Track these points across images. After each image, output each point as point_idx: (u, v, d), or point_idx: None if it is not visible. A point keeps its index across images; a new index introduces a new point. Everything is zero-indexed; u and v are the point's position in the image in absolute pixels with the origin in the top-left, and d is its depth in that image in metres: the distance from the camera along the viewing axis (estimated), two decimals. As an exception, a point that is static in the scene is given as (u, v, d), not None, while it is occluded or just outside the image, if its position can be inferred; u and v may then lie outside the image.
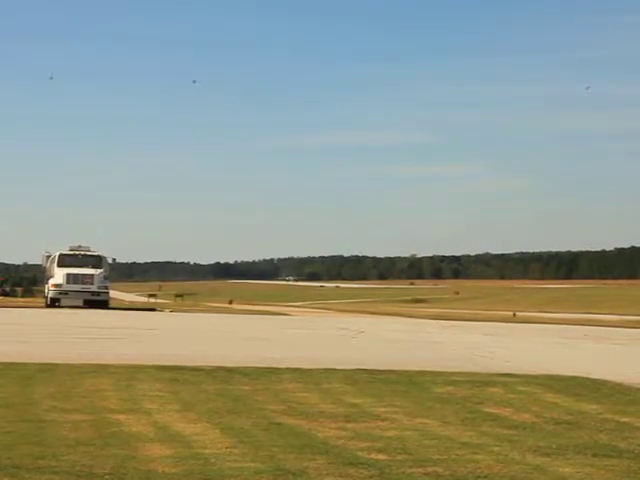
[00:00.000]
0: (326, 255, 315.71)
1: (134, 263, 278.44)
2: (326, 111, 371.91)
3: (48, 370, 14.18)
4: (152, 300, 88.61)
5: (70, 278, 45.25)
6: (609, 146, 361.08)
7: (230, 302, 59.53)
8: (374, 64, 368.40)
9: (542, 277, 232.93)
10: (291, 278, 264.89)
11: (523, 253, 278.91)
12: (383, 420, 10.56)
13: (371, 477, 7.61)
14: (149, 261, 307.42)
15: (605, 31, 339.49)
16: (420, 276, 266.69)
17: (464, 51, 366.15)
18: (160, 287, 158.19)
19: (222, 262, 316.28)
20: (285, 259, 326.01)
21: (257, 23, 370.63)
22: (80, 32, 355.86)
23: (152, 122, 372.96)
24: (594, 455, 8.76)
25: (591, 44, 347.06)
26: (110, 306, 46.92)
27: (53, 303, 45.75)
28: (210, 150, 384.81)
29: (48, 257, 49.40)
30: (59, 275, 45.45)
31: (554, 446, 9.14)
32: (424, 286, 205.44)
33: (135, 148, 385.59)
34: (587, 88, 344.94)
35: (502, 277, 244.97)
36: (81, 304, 45.71)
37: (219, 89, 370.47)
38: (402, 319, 46.57)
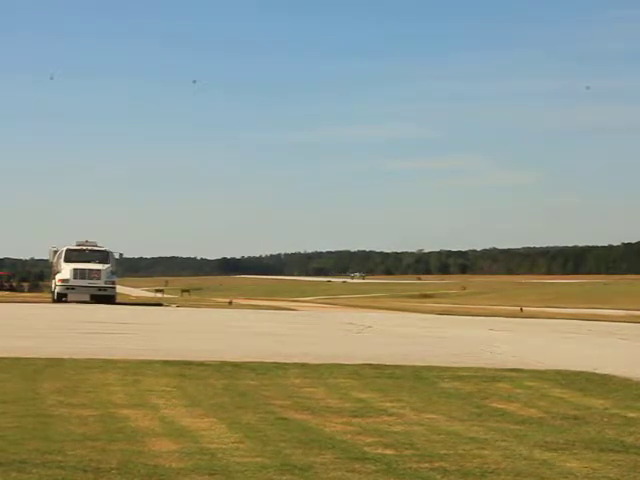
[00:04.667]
0: (333, 250, 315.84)
1: (141, 258, 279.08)
2: (327, 106, 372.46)
3: (55, 365, 14.19)
4: (159, 295, 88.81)
5: (77, 273, 45.32)
6: (615, 140, 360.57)
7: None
8: (373, 60, 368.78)
9: (549, 272, 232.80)
10: (357, 274, 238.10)
11: (530, 248, 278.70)
12: (390, 415, 10.55)
13: (378, 472, 7.60)
14: (155, 256, 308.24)
15: (605, 25, 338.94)
16: (427, 271, 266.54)
17: (464, 46, 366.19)
18: (167, 282, 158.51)
19: (228, 257, 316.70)
20: (292, 254, 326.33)
21: (257, 20, 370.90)
22: (80, 29, 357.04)
23: (156, 117, 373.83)
24: (601, 450, 8.75)
25: (591, 38, 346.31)
26: (117, 301, 46.99)
27: (60, 298, 45.83)
28: (214, 145, 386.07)
29: (55, 252, 49.51)
30: (66, 270, 45.52)
31: (561, 441, 9.13)
32: (431, 281, 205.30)
33: (141, 143, 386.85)
34: (587, 88, 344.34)
35: (509, 272, 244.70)
36: (88, 299, 45.79)
37: (220, 85, 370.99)
38: (409, 314, 46.55)
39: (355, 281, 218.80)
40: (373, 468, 7.71)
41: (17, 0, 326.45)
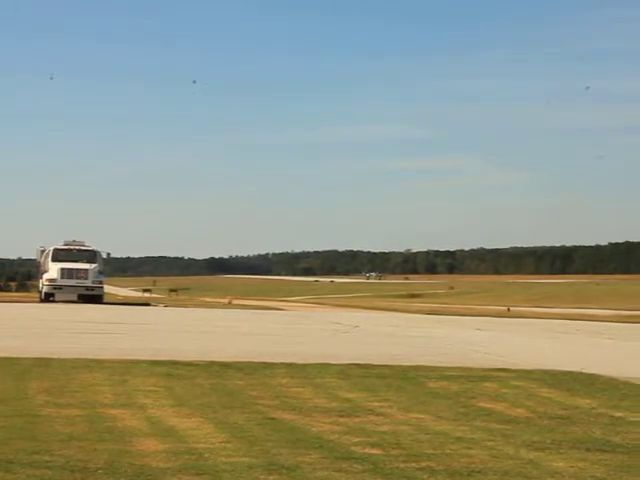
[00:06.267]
0: (320, 250, 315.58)
1: (128, 258, 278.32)
2: (323, 106, 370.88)
3: (42, 365, 14.16)
4: (147, 295, 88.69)
5: (64, 273, 45.20)
6: (603, 141, 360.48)
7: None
8: (372, 59, 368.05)
9: (536, 272, 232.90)
10: (373, 274, 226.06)
11: (517, 248, 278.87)
12: (377, 415, 10.57)
13: (365, 472, 7.61)
14: (143, 256, 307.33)
15: (605, 25, 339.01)
16: (414, 271, 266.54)
17: (464, 46, 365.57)
18: (154, 282, 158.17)
19: (216, 257, 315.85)
20: (279, 254, 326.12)
21: (257, 20, 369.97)
22: (79, 29, 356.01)
23: (148, 118, 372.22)
24: (588, 450, 8.78)
25: (591, 38, 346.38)
26: (104, 301, 46.89)
27: (47, 298, 45.72)
28: (205, 145, 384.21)
29: (42, 252, 49.33)
30: (53, 270, 45.40)
31: (548, 441, 9.16)
32: (419, 281, 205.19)
33: (128, 143, 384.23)
34: (587, 88, 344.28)
35: (496, 272, 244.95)
36: (75, 299, 45.67)
37: (218, 85, 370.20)
38: (396, 314, 46.58)
39: (371, 281, 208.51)
40: (360, 468, 7.72)
41: (17, 0, 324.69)
